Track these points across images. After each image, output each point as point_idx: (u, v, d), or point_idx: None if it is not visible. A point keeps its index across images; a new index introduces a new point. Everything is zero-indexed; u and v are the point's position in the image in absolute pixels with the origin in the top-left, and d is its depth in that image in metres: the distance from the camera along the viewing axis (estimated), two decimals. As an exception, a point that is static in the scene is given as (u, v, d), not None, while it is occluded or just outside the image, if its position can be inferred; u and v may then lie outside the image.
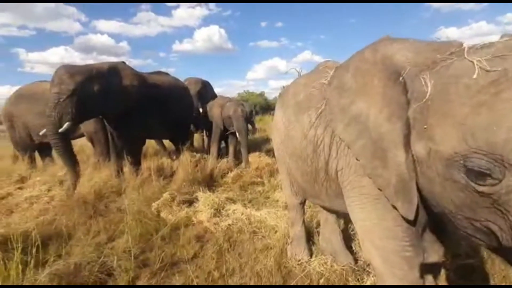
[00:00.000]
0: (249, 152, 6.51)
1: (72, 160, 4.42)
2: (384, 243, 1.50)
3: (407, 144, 1.16)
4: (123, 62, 5.12)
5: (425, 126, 1.03)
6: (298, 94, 2.11)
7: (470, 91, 0.89)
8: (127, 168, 5.02)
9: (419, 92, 1.10)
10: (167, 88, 5.65)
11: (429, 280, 1.80)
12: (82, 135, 6.34)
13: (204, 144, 8.49)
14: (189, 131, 6.68)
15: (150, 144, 7.41)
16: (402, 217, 1.35)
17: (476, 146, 0.85)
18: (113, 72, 4.73)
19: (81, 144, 7.14)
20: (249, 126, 13.45)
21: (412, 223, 1.41)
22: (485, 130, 0.83)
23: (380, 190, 1.33)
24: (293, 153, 2.08)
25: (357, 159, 1.38)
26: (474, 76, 0.89)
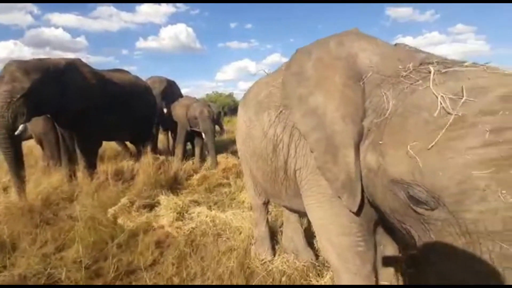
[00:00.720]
0: (216, 153, 6.41)
1: (19, 165, 3.99)
2: (339, 239, 1.55)
3: (357, 148, 1.21)
4: (79, 59, 4.80)
5: (381, 142, 1.07)
6: (259, 93, 2.10)
7: (428, 128, 0.92)
8: (80, 172, 4.66)
9: (377, 105, 1.14)
10: (127, 87, 5.38)
11: (390, 272, 1.90)
12: (30, 137, 5.77)
13: (169, 145, 8.21)
14: (152, 132, 6.37)
15: (109, 146, 6.98)
16: (355, 213, 1.40)
17: (421, 183, 0.93)
18: (71, 69, 4.42)
19: (29, 146, 6.48)
20: (217, 127, 13.33)
21: (365, 219, 1.48)
22: (432, 172, 0.89)
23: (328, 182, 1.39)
24: (254, 153, 2.07)
25: (311, 151, 1.42)
26: (435, 114, 0.91)
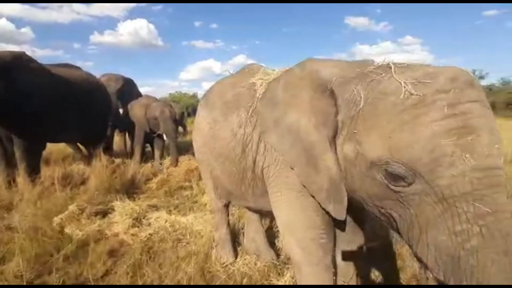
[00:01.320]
0: (179, 155, 6.21)
1: None
2: (305, 233, 1.61)
3: (334, 148, 1.29)
4: (24, 53, 4.35)
5: (355, 131, 1.16)
6: (225, 94, 2.06)
7: (396, 109, 1.03)
8: (21, 177, 4.17)
9: (349, 99, 1.23)
10: (77, 83, 4.96)
11: (351, 265, 2.01)
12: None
13: (127, 147, 7.76)
14: (106, 133, 5.92)
15: (56, 148, 6.36)
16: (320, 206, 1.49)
17: (398, 158, 1.02)
18: (18, 64, 3.97)
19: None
20: (180, 129, 12.91)
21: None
22: (407, 147, 1.00)
23: (313, 196, 1.43)
24: (220, 154, 2.02)
25: (292, 168, 1.45)
26: (401, 97, 1.03)
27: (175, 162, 5.75)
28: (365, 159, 1.12)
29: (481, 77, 19.02)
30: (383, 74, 1.15)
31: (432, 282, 2.22)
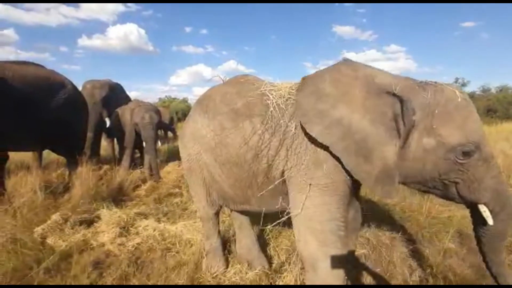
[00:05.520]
0: (167, 161, 6.07)
1: None
2: (323, 225, 1.69)
3: (395, 141, 1.57)
4: None
5: (434, 126, 1.50)
6: (233, 102, 2.08)
7: (460, 108, 1.51)
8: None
9: (422, 103, 1.52)
10: (35, 82, 4.19)
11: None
12: None
13: (115, 153, 7.56)
14: (79, 138, 5.13)
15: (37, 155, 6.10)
16: (343, 197, 1.71)
17: (471, 140, 1.48)
18: None
19: None
20: (170, 134, 12.75)
21: (346, 205, 1.75)
22: (475, 131, 1.50)
23: (359, 182, 1.65)
24: (228, 160, 2.02)
25: (339, 157, 1.60)
26: (459, 100, 1.51)
27: (158, 176, 5.58)
28: (446, 146, 1.49)
29: (464, 85, 19.83)
30: (438, 86, 1.56)
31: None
